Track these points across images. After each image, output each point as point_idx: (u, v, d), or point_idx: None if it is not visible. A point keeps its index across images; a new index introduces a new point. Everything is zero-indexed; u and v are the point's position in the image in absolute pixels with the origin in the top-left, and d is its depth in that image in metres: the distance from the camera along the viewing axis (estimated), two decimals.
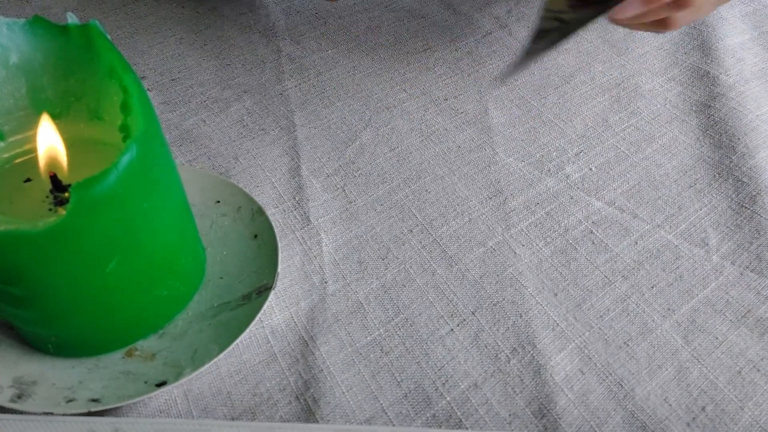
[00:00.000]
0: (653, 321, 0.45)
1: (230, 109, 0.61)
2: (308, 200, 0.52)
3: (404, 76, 0.66)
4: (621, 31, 0.73)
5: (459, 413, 0.40)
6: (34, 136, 0.39)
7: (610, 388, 0.41)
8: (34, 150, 0.39)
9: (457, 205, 0.53)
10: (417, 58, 0.69)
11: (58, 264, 0.34)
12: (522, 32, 0.72)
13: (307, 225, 0.51)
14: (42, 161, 0.38)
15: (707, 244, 0.50)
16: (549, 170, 0.56)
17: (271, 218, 0.48)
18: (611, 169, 0.56)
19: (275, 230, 0.46)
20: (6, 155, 0.40)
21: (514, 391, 0.41)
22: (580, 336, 0.44)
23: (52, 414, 0.36)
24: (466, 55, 0.69)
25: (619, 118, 0.61)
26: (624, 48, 0.71)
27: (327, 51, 0.69)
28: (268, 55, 0.68)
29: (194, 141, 0.57)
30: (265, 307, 0.42)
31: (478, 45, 0.71)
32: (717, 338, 0.44)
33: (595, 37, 0.72)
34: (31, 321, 0.38)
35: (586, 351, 0.43)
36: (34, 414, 0.36)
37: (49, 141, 0.38)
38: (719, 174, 0.55)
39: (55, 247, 0.33)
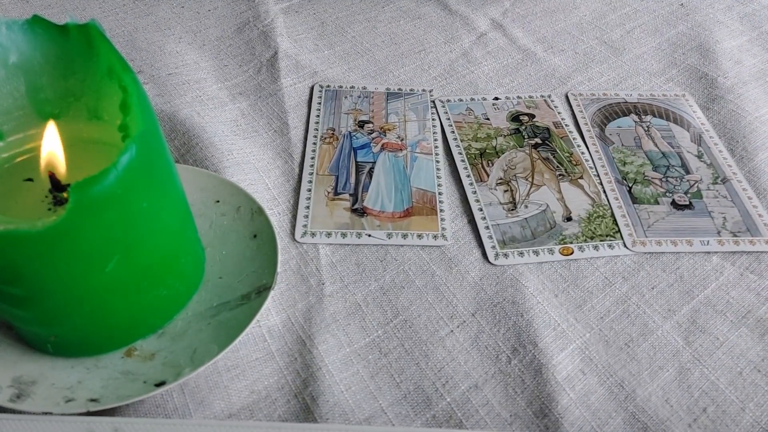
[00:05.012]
0: (654, 322, 0.45)
1: (225, 108, 0.61)
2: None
3: (399, 77, 0.66)
4: (618, 31, 0.73)
5: (459, 414, 0.40)
6: (34, 135, 0.39)
7: (611, 389, 0.41)
8: (33, 149, 0.39)
9: (456, 207, 0.53)
10: (413, 59, 0.69)
11: (58, 264, 0.33)
12: (518, 33, 0.72)
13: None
14: (42, 163, 0.37)
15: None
16: None
17: None
18: None
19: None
20: (5, 155, 0.39)
21: (515, 392, 0.41)
22: (581, 337, 0.44)
23: (51, 414, 0.36)
24: (461, 56, 0.69)
25: None
26: (621, 48, 0.71)
27: (324, 51, 0.69)
28: (265, 56, 0.68)
29: (186, 133, 0.57)
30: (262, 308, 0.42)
31: (473, 46, 0.71)
32: (718, 339, 0.44)
33: (593, 37, 0.72)
34: (31, 321, 0.37)
35: (587, 352, 0.43)
36: (34, 414, 0.36)
37: (49, 145, 0.38)
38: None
39: (55, 246, 0.32)
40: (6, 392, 0.37)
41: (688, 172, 0.56)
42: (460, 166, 0.56)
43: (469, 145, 0.58)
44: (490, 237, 0.50)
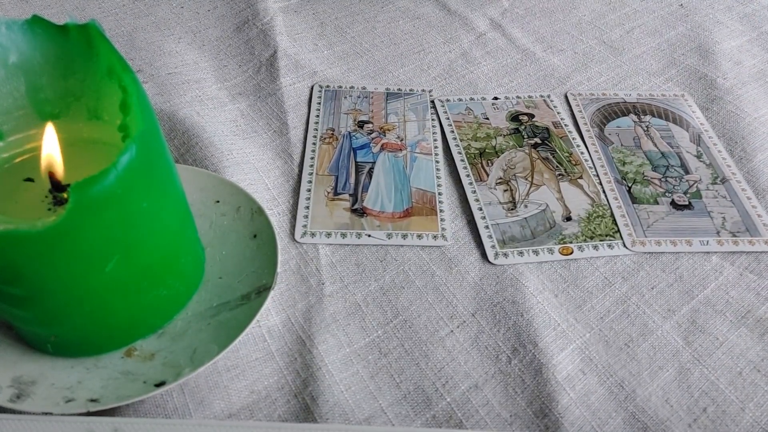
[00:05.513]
0: (654, 322, 0.45)
1: (225, 107, 0.61)
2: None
3: (399, 78, 0.66)
4: (618, 31, 0.73)
5: (459, 414, 0.40)
6: (34, 135, 0.39)
7: (611, 389, 0.41)
8: (33, 149, 0.39)
9: (455, 207, 0.53)
10: (412, 59, 0.69)
11: (58, 264, 0.33)
12: (517, 33, 0.72)
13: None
14: (41, 164, 0.37)
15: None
16: None
17: None
18: None
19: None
20: (5, 155, 0.39)
21: (515, 392, 0.41)
22: (581, 337, 0.44)
23: (51, 414, 0.36)
24: (460, 56, 0.69)
25: None
26: (621, 48, 0.71)
27: (323, 51, 0.69)
28: (265, 55, 0.68)
29: (186, 133, 0.57)
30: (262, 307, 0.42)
31: (472, 46, 0.71)
32: (717, 339, 0.44)
33: (592, 37, 0.72)
34: (31, 321, 0.37)
35: (587, 352, 0.43)
36: (33, 414, 0.36)
37: (48, 148, 0.38)
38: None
39: (54, 247, 0.32)
40: (6, 392, 0.37)
41: (687, 172, 0.56)
42: (459, 165, 0.56)
43: (469, 144, 0.58)
44: (490, 236, 0.50)
